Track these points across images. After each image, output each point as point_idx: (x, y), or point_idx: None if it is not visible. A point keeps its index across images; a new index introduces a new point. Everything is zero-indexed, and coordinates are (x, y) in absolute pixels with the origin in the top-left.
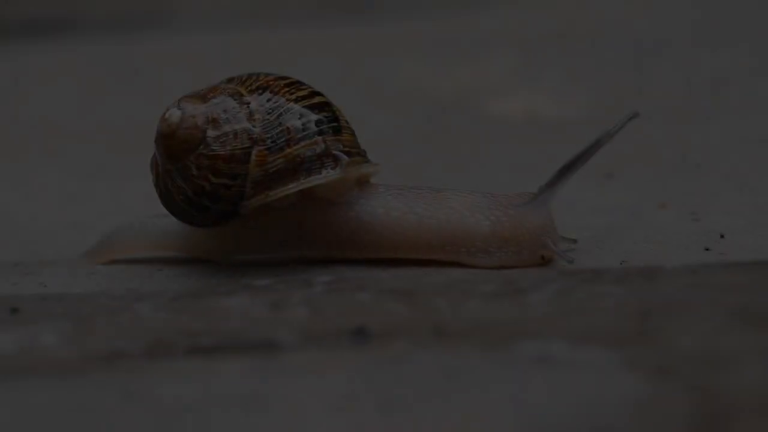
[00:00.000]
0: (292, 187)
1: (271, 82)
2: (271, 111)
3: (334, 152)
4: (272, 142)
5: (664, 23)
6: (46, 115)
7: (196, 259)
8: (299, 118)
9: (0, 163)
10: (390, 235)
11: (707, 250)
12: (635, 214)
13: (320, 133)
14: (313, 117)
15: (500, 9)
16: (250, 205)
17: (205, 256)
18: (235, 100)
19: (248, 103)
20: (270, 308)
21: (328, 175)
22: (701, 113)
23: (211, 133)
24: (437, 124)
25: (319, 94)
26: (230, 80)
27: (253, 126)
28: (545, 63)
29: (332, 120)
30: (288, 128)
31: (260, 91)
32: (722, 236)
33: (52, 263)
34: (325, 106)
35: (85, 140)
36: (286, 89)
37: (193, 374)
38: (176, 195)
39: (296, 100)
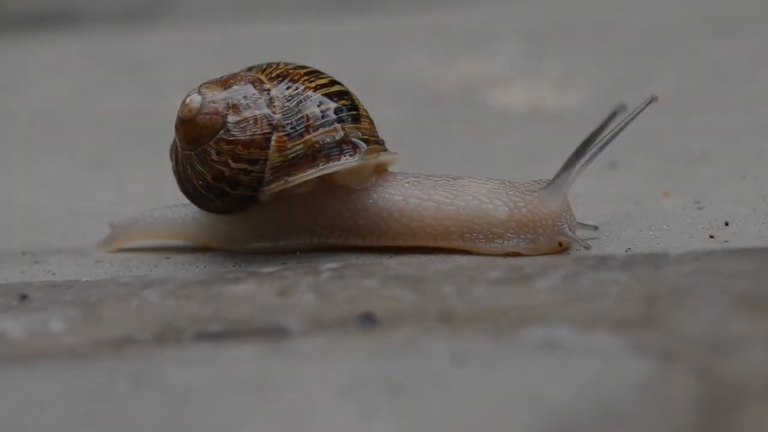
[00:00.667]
0: (311, 173)
1: (290, 71)
2: (290, 98)
3: (353, 139)
4: (292, 128)
5: (666, 15)
6: (49, 107)
7: (211, 248)
8: (318, 106)
9: (5, 154)
10: (409, 222)
11: (711, 237)
12: (640, 202)
13: (339, 120)
14: (333, 105)
15: (502, 1)
16: (269, 190)
17: (223, 246)
18: (255, 87)
19: (268, 90)
20: (278, 295)
21: (347, 162)
22: (704, 104)
23: (231, 118)
24: (439, 115)
25: (338, 83)
26: (250, 69)
27: (273, 112)
28: (547, 54)
29: (351, 108)
30: (307, 115)
31: (280, 79)
32: (726, 224)
33: (59, 251)
34: (344, 95)
35: (89, 131)
36: (306, 77)
37: (202, 360)
38: (195, 180)
39: (316, 88)
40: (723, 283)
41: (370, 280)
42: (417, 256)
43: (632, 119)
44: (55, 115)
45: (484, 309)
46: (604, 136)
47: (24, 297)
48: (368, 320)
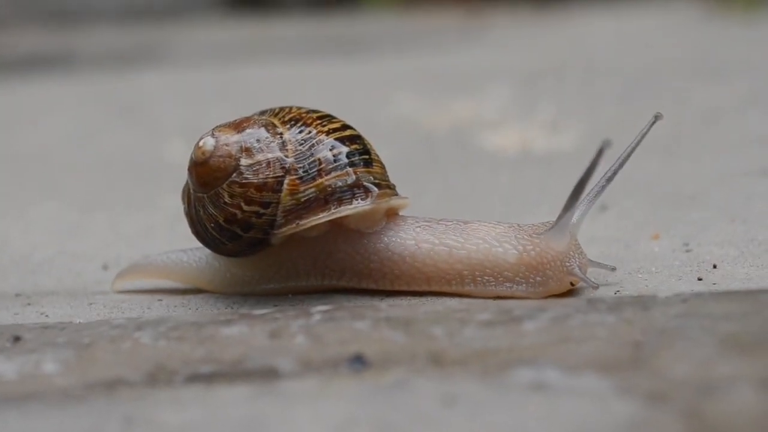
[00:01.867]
0: (323, 217)
1: (303, 115)
2: (303, 142)
3: (365, 183)
4: (304, 171)
5: (656, 58)
6: (43, 149)
7: (207, 291)
8: (331, 150)
9: (0, 195)
10: (422, 267)
11: (700, 280)
12: (629, 245)
13: (351, 164)
14: (345, 149)
15: (493, 47)
16: (281, 234)
17: (232, 289)
18: (268, 130)
19: (281, 134)
20: (269, 337)
21: (358, 206)
22: (694, 146)
23: (244, 161)
24: (431, 156)
25: (350, 127)
26: (263, 112)
27: (286, 156)
28: (538, 97)
29: (363, 153)
30: (320, 159)
31: (293, 123)
32: (715, 266)
33: (52, 293)
34: (356, 139)
35: (82, 173)
36: (319, 121)
37: (194, 401)
38: (207, 223)
39: (328, 133)
40: (710, 326)
41: (360, 323)
42: (408, 298)
43: (638, 143)
44: (48, 157)
45: (473, 351)
46: (612, 167)
47: (17, 338)
48: (359, 362)
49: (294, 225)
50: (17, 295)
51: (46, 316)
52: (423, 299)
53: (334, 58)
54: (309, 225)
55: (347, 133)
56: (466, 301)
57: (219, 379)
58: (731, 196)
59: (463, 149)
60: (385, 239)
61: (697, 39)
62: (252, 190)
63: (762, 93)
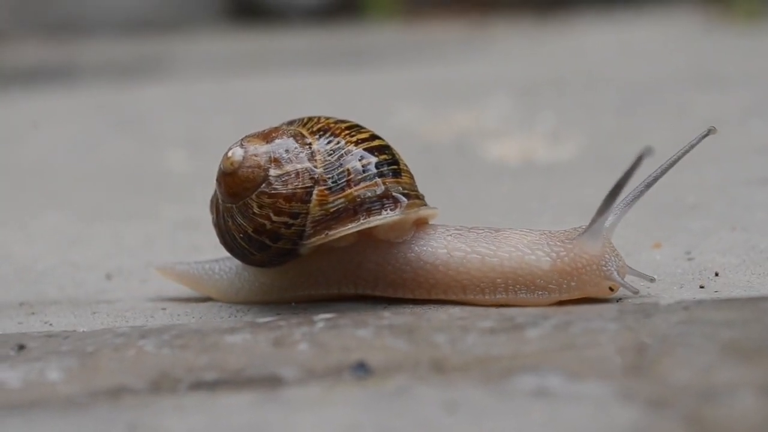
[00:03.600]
0: (352, 227)
1: (332, 125)
2: (332, 152)
3: (394, 194)
4: (333, 182)
5: (656, 69)
6: (45, 160)
7: (215, 300)
8: (360, 160)
9: (2, 206)
10: (456, 275)
11: (702, 287)
12: (631, 253)
13: (380, 175)
14: (374, 159)
15: (494, 58)
16: (310, 244)
17: (259, 298)
18: (296, 141)
19: (310, 144)
20: (272, 344)
21: (387, 216)
22: (695, 156)
23: (273, 172)
24: (433, 166)
25: (378, 137)
26: (291, 123)
27: (315, 166)
28: (539, 108)
29: (392, 163)
30: (348, 170)
31: (321, 133)
32: (716, 274)
33: (55, 302)
34: (385, 149)
35: (85, 184)
36: (347, 132)
37: (197, 409)
38: (236, 233)
39: (357, 143)
40: (712, 333)
41: (363, 330)
42: (410, 306)
43: (685, 153)
44: (50, 168)
45: (476, 358)
46: (653, 173)
47: (21, 347)
48: (362, 369)
49: (323, 235)
50: (21, 304)
51: (50, 324)
52: (426, 307)
53: (337, 69)
54: (338, 235)
55: (376, 143)
56: (468, 308)
57: (222, 386)
58: (732, 205)
59: (464, 159)
60: (416, 248)
61: (697, 50)
62: (281, 200)
63: (763, 103)
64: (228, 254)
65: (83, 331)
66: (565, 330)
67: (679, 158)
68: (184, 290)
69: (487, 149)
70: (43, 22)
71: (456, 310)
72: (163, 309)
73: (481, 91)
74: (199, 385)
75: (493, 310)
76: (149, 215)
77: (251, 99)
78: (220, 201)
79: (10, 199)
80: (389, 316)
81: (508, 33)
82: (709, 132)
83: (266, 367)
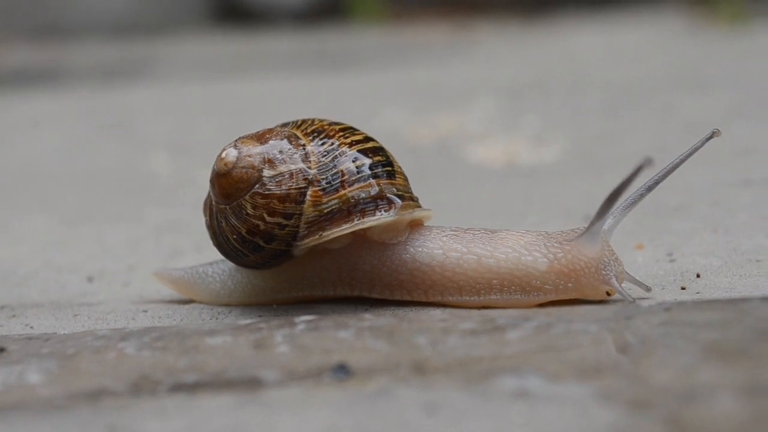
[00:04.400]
0: (346, 228)
1: (326, 127)
2: (326, 153)
3: (388, 195)
4: (327, 183)
5: (639, 72)
6: (30, 163)
7: (197, 302)
8: (354, 161)
9: None
10: (452, 276)
11: (683, 289)
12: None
13: (374, 176)
14: (368, 161)
15: (479, 61)
16: (304, 245)
17: (254, 300)
18: (290, 142)
19: (304, 146)
20: (253, 346)
21: (382, 218)
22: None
23: (267, 172)
24: (416, 168)
25: (372, 139)
26: (285, 124)
27: (309, 167)
28: (523, 110)
29: (386, 164)
30: (342, 171)
31: (315, 135)
32: (698, 276)
33: (37, 305)
34: (379, 151)
35: (70, 187)
36: (341, 133)
37: (177, 411)
38: (230, 234)
39: (351, 144)
40: (692, 334)
41: (344, 332)
42: (391, 308)
43: (688, 156)
44: (35, 171)
45: (456, 359)
46: (654, 177)
47: (1, 350)
48: (342, 371)
49: (317, 236)
50: (2, 307)
51: (31, 327)
52: (407, 309)
53: (322, 72)
54: (332, 236)
55: (370, 145)
56: (449, 310)
57: (203, 388)
58: (715, 207)
59: (448, 162)
60: (411, 250)
61: (682, 52)
62: (275, 201)
63: (746, 105)
64: (222, 257)
65: (64, 334)
66: (546, 331)
67: (682, 161)
68: (166, 293)
69: (472, 152)
70: (29, 26)
71: (437, 312)
72: (145, 311)
73: (465, 93)
74: (179, 387)
75: (474, 311)
76: (133, 218)
77: (237, 102)
78: (213, 202)
79: None
80: (370, 318)
81: (493, 35)
82: (713, 135)
83: (247, 369)
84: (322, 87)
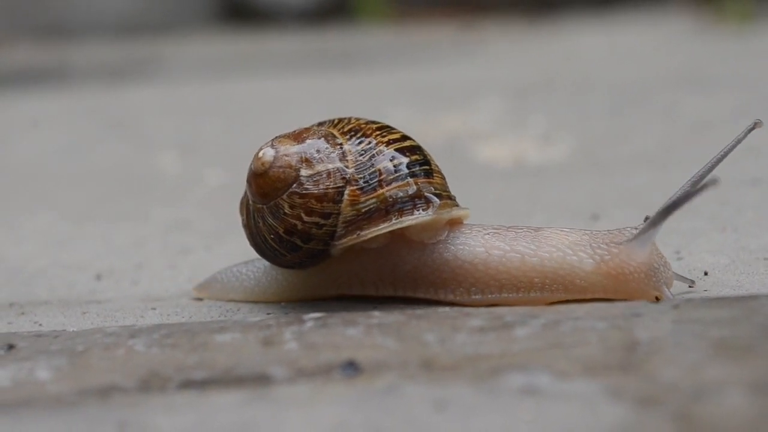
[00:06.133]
0: (384, 227)
1: (363, 126)
2: (363, 152)
3: (426, 194)
4: (365, 182)
5: (646, 71)
6: (36, 161)
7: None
8: (391, 160)
9: None
10: (495, 274)
11: (691, 287)
12: None
13: (412, 175)
14: (405, 159)
15: (485, 60)
16: (341, 245)
17: (293, 297)
18: (328, 141)
19: (341, 145)
20: (262, 343)
21: (420, 216)
22: (684, 157)
23: (304, 172)
24: None
25: (409, 138)
26: (321, 123)
27: (346, 166)
28: (530, 110)
29: (424, 163)
30: (380, 170)
31: (353, 134)
32: (706, 273)
33: (45, 303)
34: (416, 150)
35: (75, 185)
36: (378, 132)
37: (187, 407)
38: (267, 234)
39: (388, 143)
40: (701, 331)
41: (353, 329)
42: (400, 306)
43: (732, 149)
44: (41, 170)
45: (465, 356)
46: (699, 171)
47: (11, 346)
48: (351, 368)
49: (354, 236)
50: (11, 304)
51: (40, 325)
52: (415, 306)
53: (328, 71)
54: (370, 236)
55: (407, 143)
56: (457, 308)
57: (212, 385)
58: (723, 206)
59: (455, 161)
60: (452, 248)
61: (688, 51)
62: (312, 200)
63: (752, 105)
64: (258, 256)
65: (73, 331)
66: (554, 329)
67: (726, 155)
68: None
69: (478, 151)
70: (34, 25)
71: (446, 309)
72: (153, 309)
73: (471, 93)
74: (188, 384)
75: (482, 309)
76: (140, 216)
77: (242, 101)
78: (250, 202)
79: (1, 200)
80: (379, 315)
81: (499, 35)
82: (755, 125)
83: (256, 366)
84: (327, 86)
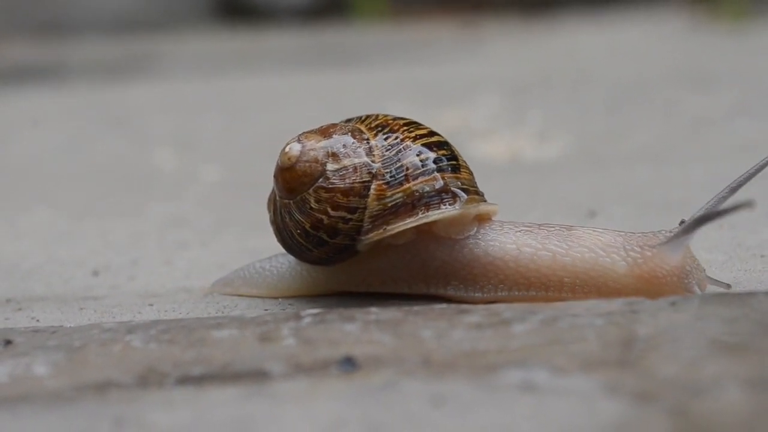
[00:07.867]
0: (411, 222)
1: (390, 121)
2: (390, 147)
3: (453, 189)
4: (391, 176)
5: (644, 68)
6: (33, 158)
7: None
8: (418, 155)
9: None
10: (525, 272)
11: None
12: None
13: (439, 170)
14: (432, 155)
15: (483, 58)
16: (368, 240)
17: (321, 291)
18: (354, 136)
19: (368, 140)
20: (259, 339)
21: (446, 211)
22: (682, 154)
23: (330, 166)
24: None
25: (437, 133)
26: (348, 120)
27: (373, 161)
28: (527, 106)
29: (451, 158)
30: (406, 165)
31: (379, 129)
32: (703, 270)
33: (43, 299)
34: (443, 145)
35: (73, 182)
36: (405, 128)
37: (184, 403)
38: (294, 229)
39: (415, 138)
40: (698, 327)
41: (350, 325)
42: (397, 302)
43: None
44: (39, 166)
45: (462, 352)
46: (738, 178)
47: (8, 342)
48: (348, 364)
49: (381, 230)
50: (8, 300)
51: (37, 320)
52: (412, 302)
53: (325, 68)
54: (396, 230)
55: (434, 139)
56: (455, 304)
57: (209, 380)
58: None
59: None
60: (482, 244)
61: (685, 49)
62: (338, 195)
63: (749, 102)
64: (283, 251)
65: (70, 327)
66: (552, 325)
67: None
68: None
69: (476, 148)
70: (31, 23)
71: (443, 306)
72: (150, 305)
73: (469, 90)
74: (185, 380)
75: (480, 305)
76: (136, 213)
77: (239, 98)
78: (277, 197)
79: None
80: (376, 311)
81: (497, 33)
82: None
83: (253, 361)
84: (325, 84)
